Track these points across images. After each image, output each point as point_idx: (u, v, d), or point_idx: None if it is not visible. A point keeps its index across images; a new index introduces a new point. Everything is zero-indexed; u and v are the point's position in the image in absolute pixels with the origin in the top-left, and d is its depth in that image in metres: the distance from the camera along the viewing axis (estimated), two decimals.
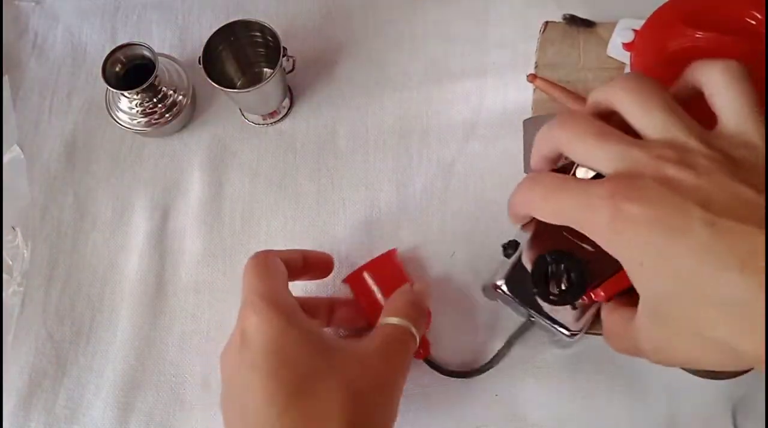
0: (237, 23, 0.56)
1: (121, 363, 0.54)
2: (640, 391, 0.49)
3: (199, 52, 0.55)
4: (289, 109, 0.61)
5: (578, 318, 0.45)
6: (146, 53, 0.56)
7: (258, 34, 0.57)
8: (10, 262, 0.57)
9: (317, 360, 0.38)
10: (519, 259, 0.46)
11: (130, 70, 0.57)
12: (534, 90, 0.58)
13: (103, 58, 0.56)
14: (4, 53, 0.66)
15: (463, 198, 0.55)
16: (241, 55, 0.59)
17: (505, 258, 0.47)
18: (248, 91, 0.54)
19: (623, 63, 0.55)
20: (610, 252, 0.33)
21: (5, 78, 0.64)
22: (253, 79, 0.61)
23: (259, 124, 0.61)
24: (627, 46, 0.54)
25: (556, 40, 0.59)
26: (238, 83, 0.61)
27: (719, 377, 0.46)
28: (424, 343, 0.49)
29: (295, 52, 0.57)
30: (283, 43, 0.54)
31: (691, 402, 0.48)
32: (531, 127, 0.57)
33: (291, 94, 0.61)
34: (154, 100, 0.58)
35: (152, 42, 0.60)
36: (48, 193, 0.59)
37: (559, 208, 0.35)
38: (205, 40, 0.55)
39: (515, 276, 0.45)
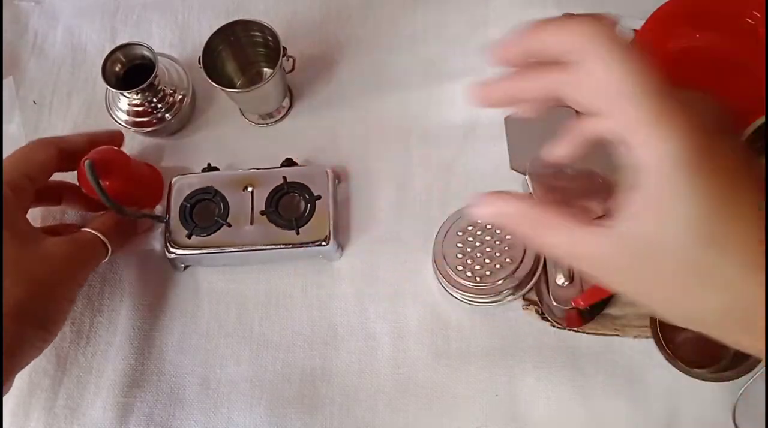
0: (237, 23, 0.56)
1: (121, 363, 0.54)
2: (640, 391, 0.49)
3: (199, 52, 0.55)
4: (289, 109, 0.61)
5: None
6: (146, 53, 0.56)
7: (258, 34, 0.57)
8: None
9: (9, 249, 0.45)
10: None
11: (130, 70, 0.57)
12: None
13: (103, 58, 0.56)
14: (4, 53, 0.66)
15: (463, 198, 0.55)
16: (241, 54, 0.59)
17: None
18: (248, 91, 0.54)
19: None
20: (655, 175, 0.30)
21: (10, 78, 0.64)
22: (253, 79, 0.61)
23: (259, 124, 0.61)
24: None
25: None
26: (238, 83, 0.61)
27: (721, 379, 0.46)
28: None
29: (295, 52, 0.57)
30: (283, 43, 0.54)
31: (691, 402, 0.48)
32: (513, 124, 0.57)
33: (291, 94, 0.61)
34: (154, 99, 0.58)
35: (152, 42, 0.60)
36: None
37: (630, 98, 0.30)
38: (205, 40, 0.55)
39: None
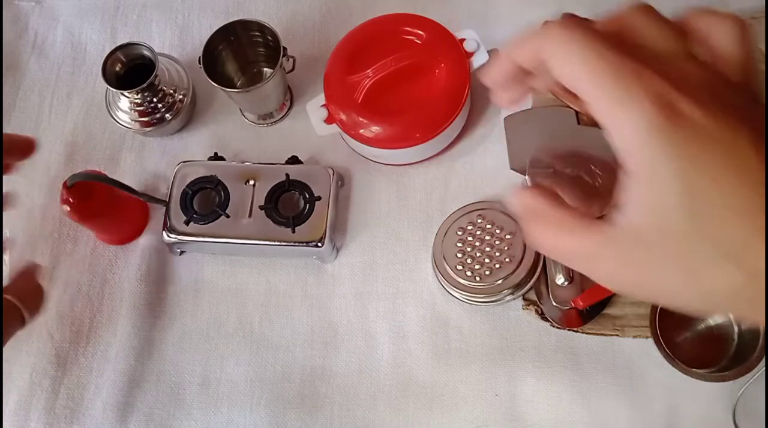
0: (237, 23, 0.56)
1: (121, 363, 0.54)
2: (640, 391, 0.49)
3: (199, 52, 0.55)
4: (289, 108, 0.61)
5: None
6: (146, 53, 0.56)
7: (258, 33, 0.57)
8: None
9: None
10: None
11: (130, 70, 0.57)
12: None
13: (103, 58, 0.56)
14: (4, 53, 0.66)
15: (463, 197, 0.55)
16: (241, 54, 0.59)
17: None
18: (248, 91, 0.54)
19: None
20: (633, 155, 0.27)
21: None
22: (253, 79, 0.61)
23: (259, 124, 0.61)
24: (329, 120, 0.54)
25: None
26: (238, 83, 0.61)
27: (721, 379, 0.46)
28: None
29: (295, 52, 0.57)
30: (283, 43, 0.54)
31: (691, 402, 0.48)
32: (513, 123, 0.57)
33: (291, 94, 0.61)
34: (154, 99, 0.58)
35: (152, 42, 0.60)
36: (48, 193, 0.59)
37: (590, 82, 0.28)
38: (205, 40, 0.55)
39: None
